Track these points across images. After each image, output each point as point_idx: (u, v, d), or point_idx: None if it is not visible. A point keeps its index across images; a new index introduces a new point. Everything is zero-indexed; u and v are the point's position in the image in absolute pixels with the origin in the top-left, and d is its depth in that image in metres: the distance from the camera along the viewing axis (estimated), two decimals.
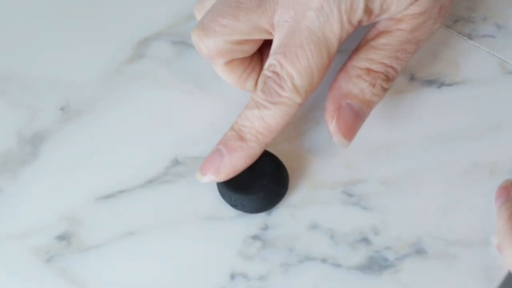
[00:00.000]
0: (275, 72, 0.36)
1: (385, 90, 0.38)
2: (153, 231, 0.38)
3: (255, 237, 0.38)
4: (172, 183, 0.39)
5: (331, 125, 0.37)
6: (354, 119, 0.37)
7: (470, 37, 0.44)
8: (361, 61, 0.37)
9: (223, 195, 0.38)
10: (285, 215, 0.38)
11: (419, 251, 0.37)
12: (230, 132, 0.37)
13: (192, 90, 0.43)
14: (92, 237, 0.38)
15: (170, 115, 0.42)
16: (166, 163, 0.40)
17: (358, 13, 0.36)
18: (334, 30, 0.36)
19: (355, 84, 0.37)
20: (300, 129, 0.41)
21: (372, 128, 0.41)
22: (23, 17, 0.46)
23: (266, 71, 0.36)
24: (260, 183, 0.37)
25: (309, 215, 0.38)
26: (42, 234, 0.38)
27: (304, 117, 0.41)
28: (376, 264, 0.37)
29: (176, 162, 0.40)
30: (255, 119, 0.36)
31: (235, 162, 0.37)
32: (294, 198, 0.39)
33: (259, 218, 0.38)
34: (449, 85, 0.42)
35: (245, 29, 0.37)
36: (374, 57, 0.37)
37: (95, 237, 0.38)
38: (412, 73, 0.43)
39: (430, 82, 0.42)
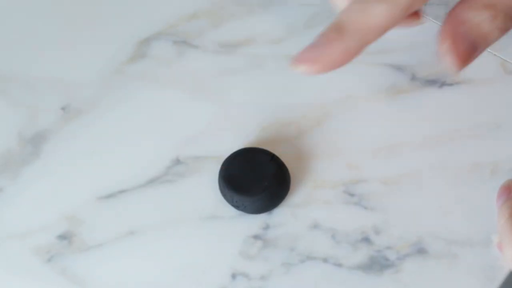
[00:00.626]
0: None
1: (502, 31, 0.35)
2: (154, 231, 0.38)
3: (256, 237, 0.38)
4: (173, 183, 0.39)
5: (444, 46, 0.34)
6: (468, 48, 0.35)
7: None
8: None
9: (224, 195, 0.38)
10: (286, 215, 0.38)
11: (420, 250, 0.37)
12: (330, 25, 0.34)
13: (192, 89, 0.43)
14: (93, 237, 0.38)
15: (171, 115, 0.42)
16: (166, 163, 0.40)
17: None
18: None
19: (475, 14, 0.34)
20: (301, 129, 0.41)
21: (373, 128, 0.41)
22: (23, 17, 0.46)
23: None
24: (262, 184, 0.37)
25: (311, 214, 0.38)
26: (43, 233, 0.38)
27: (306, 116, 0.41)
28: (377, 264, 0.37)
29: (177, 161, 0.40)
30: (356, 13, 0.34)
31: (332, 55, 0.34)
32: (295, 198, 0.39)
33: (260, 218, 0.38)
34: (450, 85, 0.42)
35: None
36: None
37: (96, 237, 0.38)
38: (413, 73, 0.43)
39: (431, 82, 0.42)
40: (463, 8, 0.35)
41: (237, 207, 0.38)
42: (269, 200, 0.38)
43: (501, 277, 0.37)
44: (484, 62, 0.43)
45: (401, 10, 0.34)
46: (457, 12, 0.35)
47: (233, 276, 0.37)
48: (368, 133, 0.40)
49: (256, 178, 0.38)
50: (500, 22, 0.35)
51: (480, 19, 0.35)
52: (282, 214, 0.38)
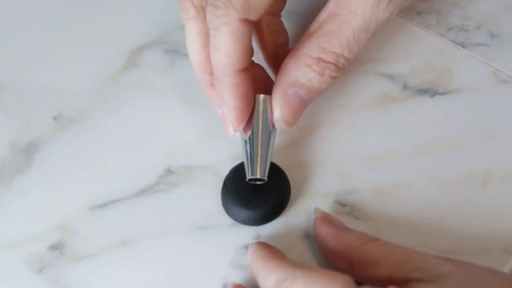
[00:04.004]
0: None
1: (333, 78, 0.37)
2: (146, 241, 0.38)
3: (248, 247, 0.37)
4: (165, 192, 0.39)
5: (276, 112, 0.37)
6: (299, 106, 0.37)
7: (463, 45, 0.44)
8: (313, 49, 0.36)
9: (225, 207, 0.38)
10: (278, 225, 0.38)
11: None
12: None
13: (184, 98, 0.43)
14: (85, 247, 0.38)
15: (163, 124, 0.42)
16: (159, 172, 0.40)
17: None
18: None
19: (303, 73, 0.36)
20: (292, 139, 0.41)
21: (365, 137, 0.41)
22: (17, 27, 0.46)
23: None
24: (265, 196, 0.38)
25: (302, 224, 0.38)
26: (35, 243, 0.38)
27: (297, 126, 0.41)
28: None
29: (168, 171, 0.40)
30: (213, 52, 0.36)
31: (223, 98, 0.37)
32: (287, 208, 0.39)
33: (251, 228, 0.38)
34: (442, 94, 0.42)
35: None
36: (326, 45, 0.36)
37: (88, 247, 0.38)
38: (405, 82, 0.43)
39: (423, 91, 0.42)
40: (292, 66, 0.37)
41: (238, 219, 0.38)
42: (273, 211, 0.38)
43: None
44: (476, 70, 0.43)
45: (238, 22, 0.35)
46: (286, 71, 0.37)
47: (225, 286, 0.36)
48: (360, 142, 0.40)
49: (259, 191, 0.38)
50: (327, 77, 0.37)
51: (308, 78, 0.36)
52: (273, 224, 0.38)
